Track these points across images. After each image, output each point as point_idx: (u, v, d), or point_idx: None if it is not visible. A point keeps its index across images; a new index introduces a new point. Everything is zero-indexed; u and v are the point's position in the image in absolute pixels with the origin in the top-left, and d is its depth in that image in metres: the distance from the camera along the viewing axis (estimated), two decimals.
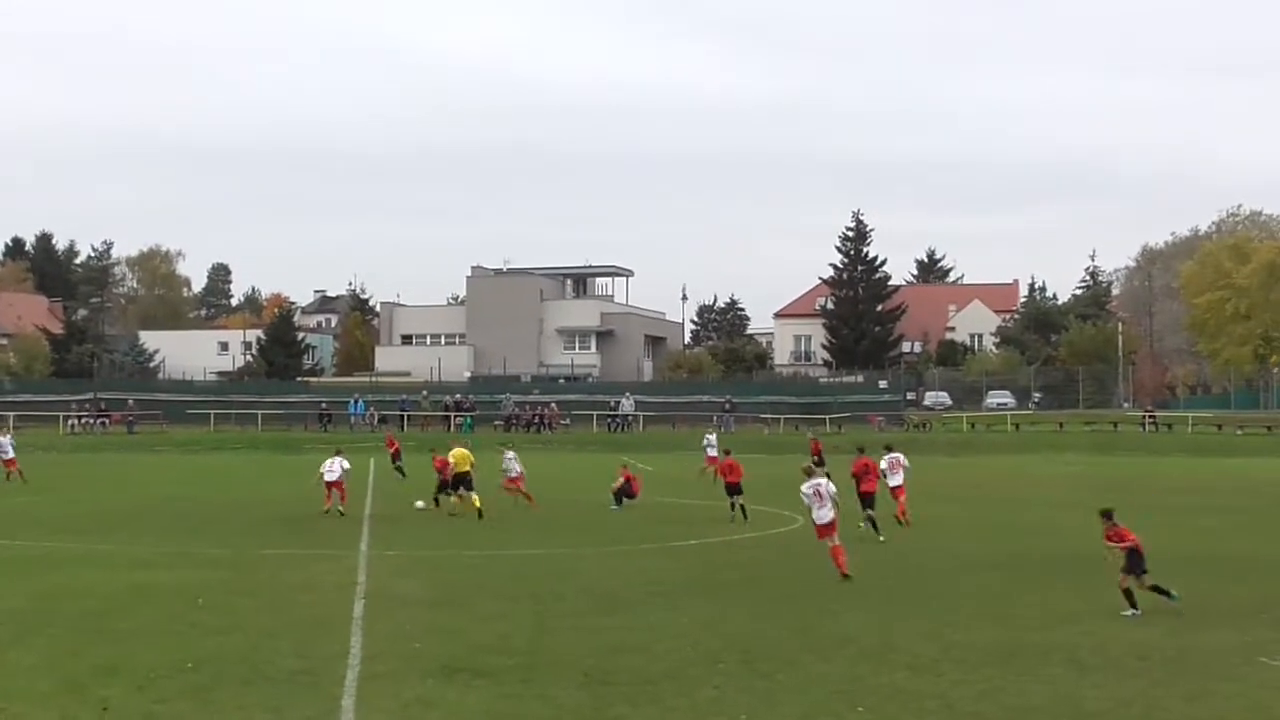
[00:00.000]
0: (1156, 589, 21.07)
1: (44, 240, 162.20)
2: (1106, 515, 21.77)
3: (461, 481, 36.94)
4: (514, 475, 38.48)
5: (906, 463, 35.07)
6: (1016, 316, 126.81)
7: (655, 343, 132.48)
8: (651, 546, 31.01)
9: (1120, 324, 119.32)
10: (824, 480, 25.39)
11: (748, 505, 35.79)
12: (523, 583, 24.76)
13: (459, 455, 37.28)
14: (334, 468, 37.42)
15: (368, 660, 17.75)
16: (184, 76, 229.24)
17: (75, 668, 17.12)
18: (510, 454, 39.20)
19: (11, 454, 46.95)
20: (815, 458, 49.15)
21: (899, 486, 34.71)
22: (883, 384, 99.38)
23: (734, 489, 36.19)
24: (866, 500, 32.59)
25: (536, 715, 15.10)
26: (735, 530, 33.96)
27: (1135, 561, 21.10)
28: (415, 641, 19.00)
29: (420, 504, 37.38)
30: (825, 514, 24.98)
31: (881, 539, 31.13)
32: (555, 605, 22.12)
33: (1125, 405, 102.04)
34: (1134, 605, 20.98)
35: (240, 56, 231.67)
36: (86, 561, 27.64)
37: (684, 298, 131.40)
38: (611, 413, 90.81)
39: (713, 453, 51.35)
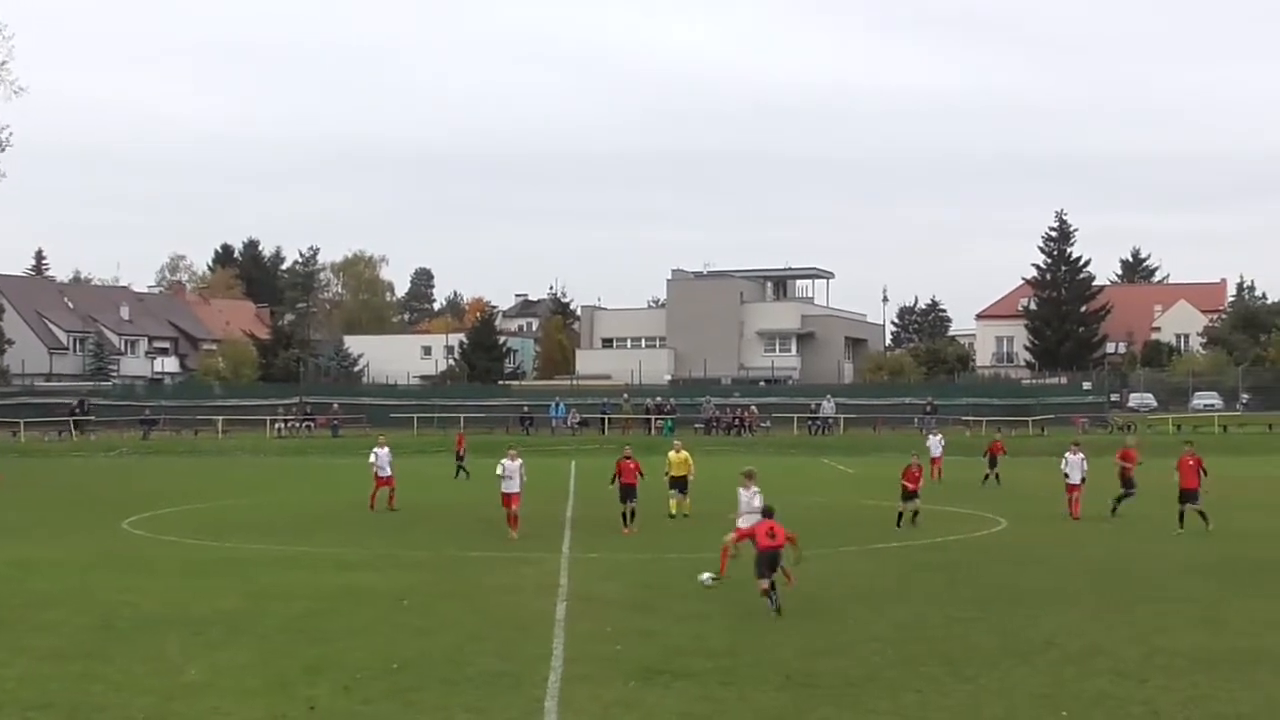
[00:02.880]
0: None
1: (251, 247, 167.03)
2: None
3: (677, 485, 37.08)
4: (514, 491, 33.62)
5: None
6: (1224, 316, 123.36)
7: (856, 344, 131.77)
8: (852, 549, 30.87)
9: None
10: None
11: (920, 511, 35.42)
12: (723, 585, 24.82)
13: (676, 460, 37.30)
14: (384, 460, 38.55)
15: (569, 662, 17.97)
16: (389, 85, 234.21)
17: (283, 667, 17.61)
18: (514, 463, 33.93)
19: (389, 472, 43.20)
20: (991, 457, 49.14)
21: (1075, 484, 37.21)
22: (1086, 385, 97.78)
23: (910, 495, 35.42)
24: (1188, 495, 33.73)
25: (736, 717, 15.16)
26: (937, 533, 33.66)
27: None
28: (616, 643, 19.18)
29: (706, 577, 24.42)
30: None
31: (1210, 528, 32.80)
32: (755, 607, 22.14)
33: None
34: None
35: (445, 63, 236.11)
36: (293, 563, 28.40)
37: (885, 299, 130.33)
38: (812, 415, 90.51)
39: (937, 453, 51.21)
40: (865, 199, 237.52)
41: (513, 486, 33.41)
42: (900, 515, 34.89)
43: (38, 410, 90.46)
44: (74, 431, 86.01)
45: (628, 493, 34.82)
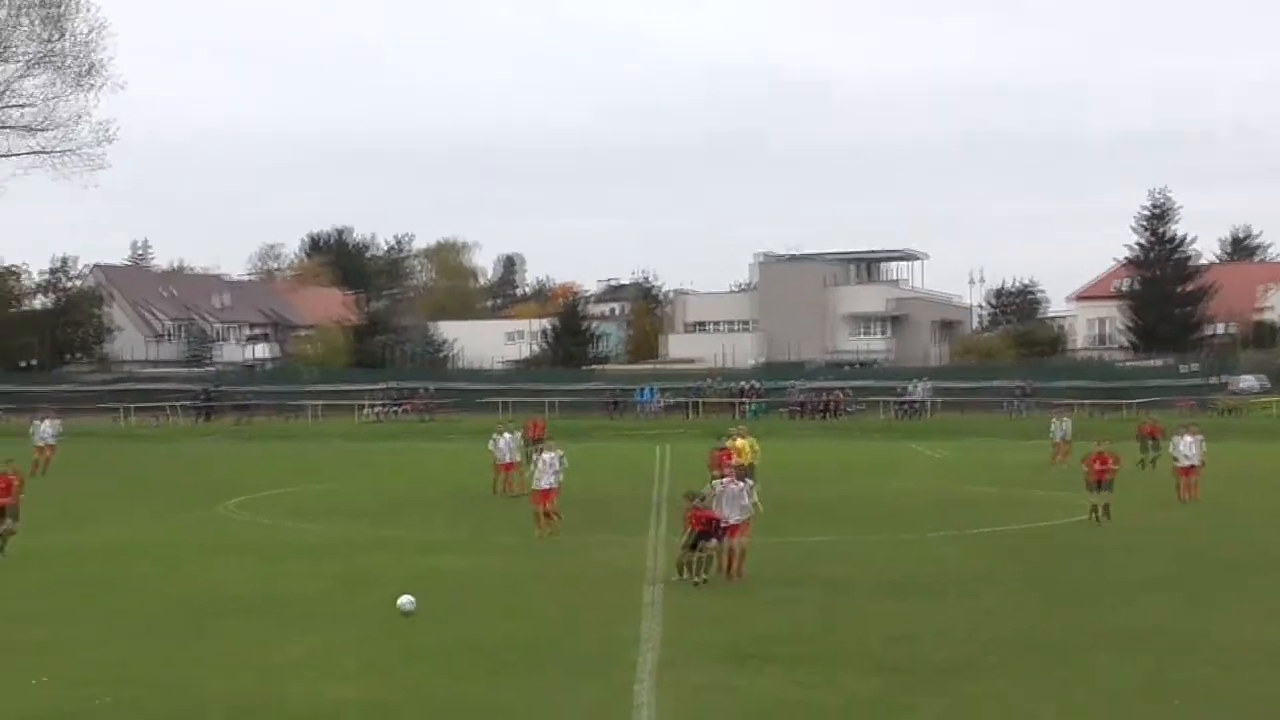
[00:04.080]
0: None
1: (342, 235, 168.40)
2: None
3: (746, 473, 36.23)
4: (544, 487, 30.30)
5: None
6: None
7: (947, 327, 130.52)
8: (942, 534, 30.71)
9: None
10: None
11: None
12: (812, 569, 24.83)
13: (741, 446, 36.51)
14: (505, 446, 38.25)
15: (659, 645, 18.03)
16: (476, 79, 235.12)
17: (378, 649, 17.80)
18: (549, 455, 30.83)
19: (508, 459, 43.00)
20: (1149, 439, 47.37)
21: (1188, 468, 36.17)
22: (1185, 368, 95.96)
23: (1101, 484, 32.52)
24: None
25: (827, 702, 15.15)
26: (1031, 518, 33.40)
27: None
28: (706, 627, 19.22)
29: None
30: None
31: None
32: (845, 592, 22.12)
33: None
34: None
35: (531, 54, 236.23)
36: (384, 546, 28.63)
37: (978, 280, 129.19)
38: (901, 398, 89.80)
39: (1060, 437, 50.61)
40: (959, 181, 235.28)
41: (548, 481, 30.08)
42: (1094, 509, 32.05)
43: (139, 396, 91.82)
44: (201, 418, 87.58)
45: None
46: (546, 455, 30.47)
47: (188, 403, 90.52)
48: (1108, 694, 15.49)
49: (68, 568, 25.46)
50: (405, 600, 19.79)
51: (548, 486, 29.93)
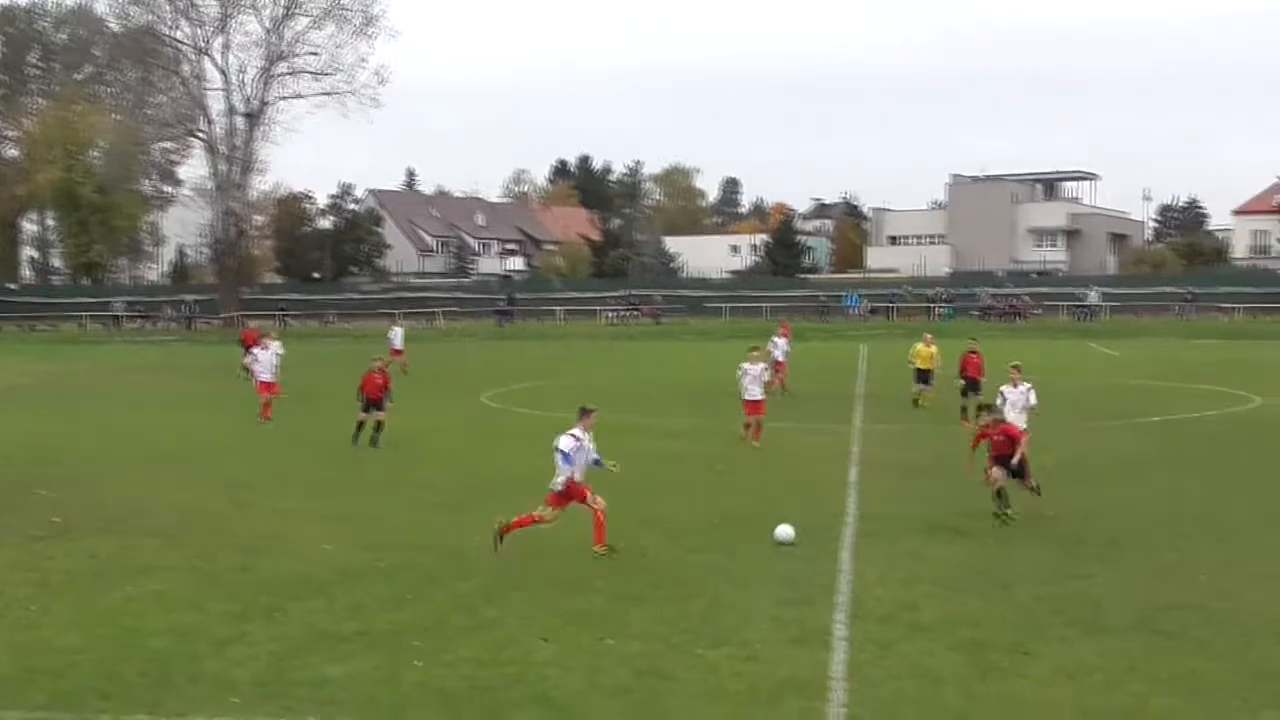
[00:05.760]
0: None
1: (584, 162, 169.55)
2: None
3: (923, 378, 33.40)
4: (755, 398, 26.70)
5: None
6: None
7: (1119, 240, 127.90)
8: (1115, 423, 30.07)
9: None
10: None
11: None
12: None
13: (924, 353, 33.72)
14: (780, 347, 37.01)
15: (861, 519, 18.09)
16: (704, 13, 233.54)
17: (620, 519, 18.12)
18: (752, 366, 26.95)
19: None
20: None
21: None
22: None
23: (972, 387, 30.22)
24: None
25: (1010, 570, 15.07)
26: (1195, 408, 32.47)
27: None
28: (902, 504, 19.20)
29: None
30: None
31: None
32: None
33: None
34: None
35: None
36: (626, 432, 28.78)
37: (1147, 198, 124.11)
38: (1078, 303, 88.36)
39: None
40: (1131, 102, 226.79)
41: (756, 393, 26.57)
42: None
43: (411, 303, 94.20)
44: (505, 321, 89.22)
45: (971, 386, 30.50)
46: (754, 367, 26.94)
47: (427, 309, 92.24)
48: (1269, 564, 15.12)
49: (366, 451, 26.23)
50: (783, 530, 16.62)
51: (760, 397, 26.75)
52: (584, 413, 16.82)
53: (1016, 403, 21.28)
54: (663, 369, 49.98)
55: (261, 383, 32.44)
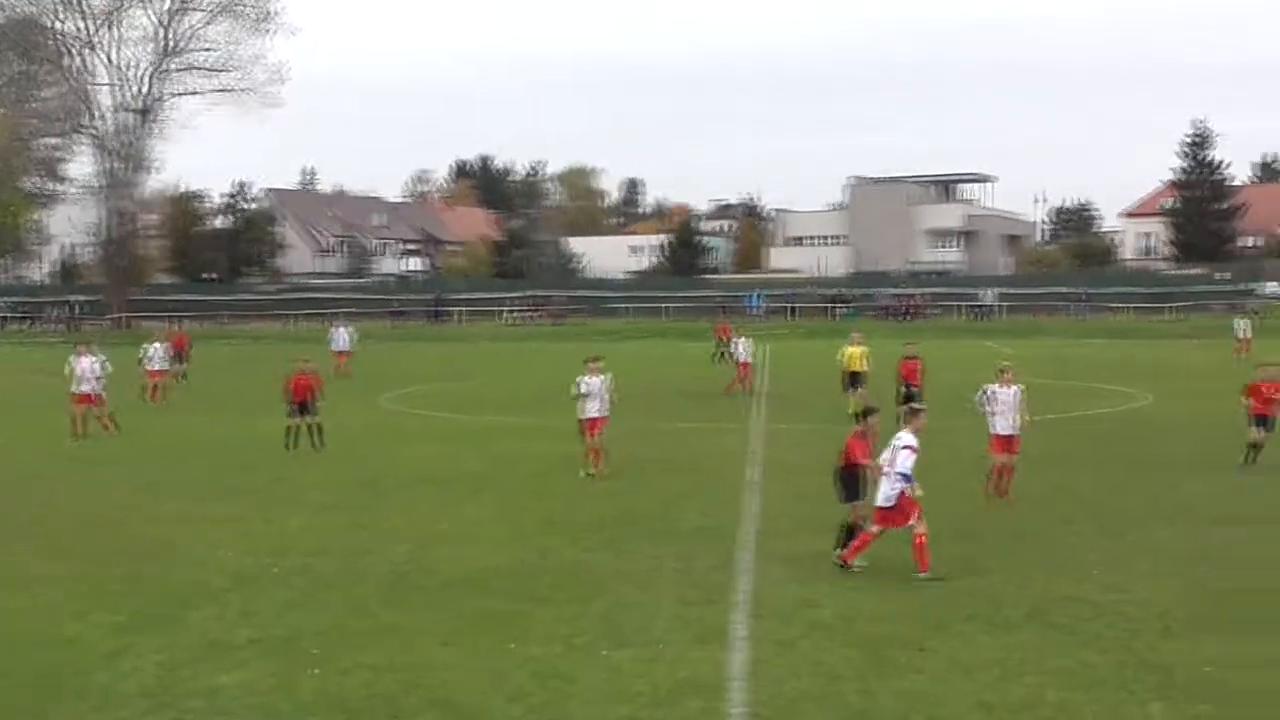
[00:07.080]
0: None
1: (485, 162, 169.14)
2: None
3: (855, 381, 31.86)
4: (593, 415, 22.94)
5: None
6: None
7: (1014, 241, 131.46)
8: None
9: None
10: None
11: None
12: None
13: (854, 354, 32.40)
14: (743, 348, 37.98)
15: (762, 518, 18.19)
16: (605, 7, 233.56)
17: (520, 521, 18.15)
18: (592, 378, 23.12)
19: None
20: None
21: None
22: (1219, 276, 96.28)
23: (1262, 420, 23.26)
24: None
25: (909, 566, 15.16)
26: (1089, 406, 33.07)
27: None
28: (804, 503, 19.31)
29: None
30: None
31: None
32: (931, 471, 22.03)
33: None
34: None
35: None
36: (524, 433, 29.01)
37: (1042, 200, 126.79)
38: (973, 303, 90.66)
39: (1241, 335, 50.52)
40: (1025, 106, 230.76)
41: (597, 409, 22.87)
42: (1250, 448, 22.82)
43: (308, 304, 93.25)
44: (432, 321, 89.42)
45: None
46: (593, 380, 23.21)
47: (323, 310, 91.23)
48: (1157, 560, 15.44)
49: (256, 452, 26.02)
50: None
51: (601, 414, 23.03)
52: (913, 413, 15.50)
53: (1007, 404, 19.95)
54: (562, 370, 49.75)
55: (80, 394, 29.02)
